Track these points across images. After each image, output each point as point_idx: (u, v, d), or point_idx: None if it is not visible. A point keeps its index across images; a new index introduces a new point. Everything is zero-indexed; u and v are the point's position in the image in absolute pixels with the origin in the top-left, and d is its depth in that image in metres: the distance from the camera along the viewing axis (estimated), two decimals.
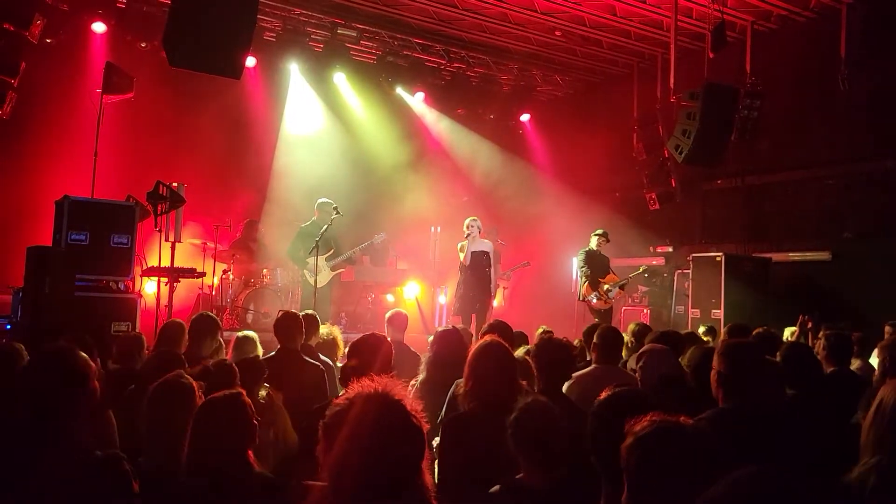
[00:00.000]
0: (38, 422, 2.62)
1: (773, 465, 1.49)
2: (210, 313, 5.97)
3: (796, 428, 3.36)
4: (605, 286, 10.45)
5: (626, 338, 6.01)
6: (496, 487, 2.83)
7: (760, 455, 2.67)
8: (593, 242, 10.59)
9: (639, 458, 1.93)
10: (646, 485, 1.93)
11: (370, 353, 3.91)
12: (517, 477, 2.84)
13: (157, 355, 4.70)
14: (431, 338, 5.46)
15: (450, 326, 5.48)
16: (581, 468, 2.61)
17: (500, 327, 5.23)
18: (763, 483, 1.45)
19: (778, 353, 4.53)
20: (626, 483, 1.97)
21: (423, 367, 4.75)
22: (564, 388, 4.17)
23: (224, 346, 5.72)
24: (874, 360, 6.46)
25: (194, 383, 3.13)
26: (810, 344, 6.29)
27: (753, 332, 5.99)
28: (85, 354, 2.87)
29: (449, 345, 4.67)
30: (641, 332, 5.85)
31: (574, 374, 4.51)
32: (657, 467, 1.91)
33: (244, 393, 2.91)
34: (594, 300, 10.45)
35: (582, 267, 10.54)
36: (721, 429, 3.02)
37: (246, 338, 5.56)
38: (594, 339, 4.92)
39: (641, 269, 10.83)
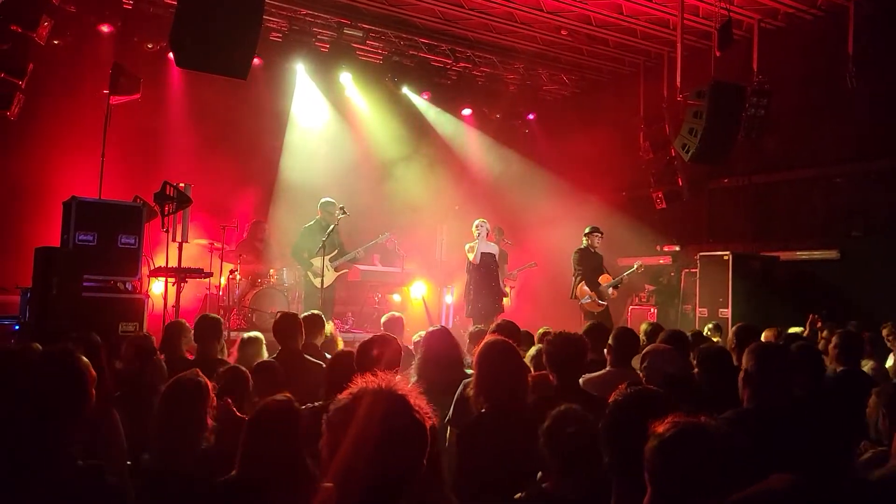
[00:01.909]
0: (32, 424, 2.59)
1: (806, 472, 1.49)
2: (212, 314, 5.98)
3: (816, 429, 3.35)
4: (602, 287, 10.23)
5: (641, 338, 5.99)
6: (521, 495, 2.78)
7: (781, 456, 2.66)
8: (585, 241, 10.43)
9: (662, 460, 1.93)
10: (668, 486, 1.93)
11: (378, 353, 3.91)
12: (543, 486, 2.80)
13: (133, 348, 4.71)
14: (415, 338, 5.43)
15: (439, 326, 5.45)
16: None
17: (507, 327, 5.21)
18: (792, 492, 1.46)
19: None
20: (649, 484, 1.96)
21: (413, 368, 4.71)
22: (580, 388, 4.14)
23: (226, 346, 5.72)
24: (890, 362, 6.43)
25: (209, 382, 3.15)
26: (819, 343, 6.25)
27: (763, 334, 5.97)
28: (86, 358, 2.86)
29: (439, 345, 4.58)
30: (655, 332, 5.79)
31: (587, 377, 4.48)
32: (680, 468, 1.92)
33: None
34: (586, 301, 10.26)
35: (577, 267, 10.37)
36: (743, 429, 3.01)
37: (251, 339, 5.57)
38: (609, 341, 4.82)
39: (636, 266, 10.71)
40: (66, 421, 2.62)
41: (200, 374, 3.19)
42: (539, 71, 13.97)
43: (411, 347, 6.22)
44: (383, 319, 6.61)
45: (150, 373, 4.44)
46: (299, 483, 2.68)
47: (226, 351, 5.54)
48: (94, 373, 2.80)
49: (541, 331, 6.18)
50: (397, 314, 6.73)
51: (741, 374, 3.41)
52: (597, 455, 2.73)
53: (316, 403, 3.70)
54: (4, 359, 3.61)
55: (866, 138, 10.59)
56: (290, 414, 2.85)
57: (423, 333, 5.01)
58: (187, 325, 5.63)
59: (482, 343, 3.72)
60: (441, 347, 4.51)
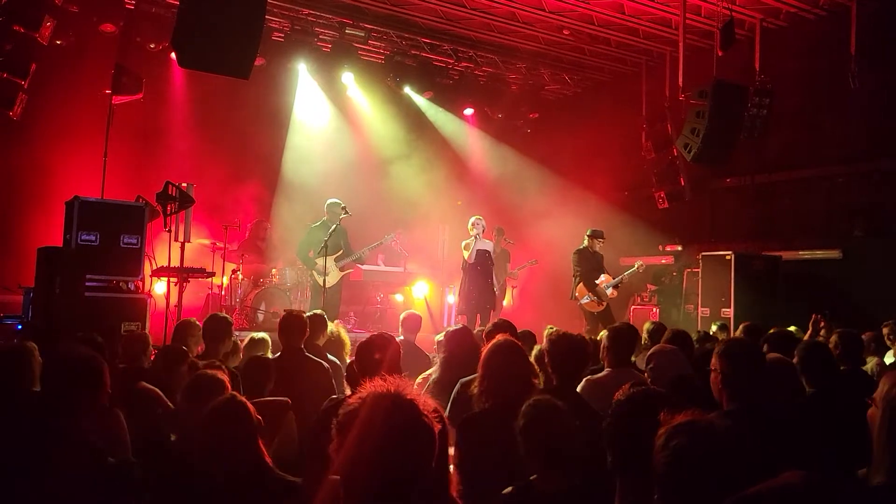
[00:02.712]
0: (51, 421, 2.63)
1: (817, 472, 1.49)
2: (222, 314, 5.98)
3: (805, 429, 3.34)
4: (600, 287, 10.23)
5: (643, 337, 5.98)
6: (509, 489, 2.79)
7: (768, 458, 2.66)
8: (586, 241, 10.42)
9: (670, 458, 1.93)
10: (677, 485, 1.92)
11: (378, 353, 3.90)
12: (531, 479, 2.81)
13: (161, 352, 4.74)
14: (439, 337, 5.46)
15: (460, 326, 5.48)
16: (595, 473, 2.59)
17: (506, 326, 5.21)
18: (808, 489, 1.45)
19: (794, 353, 4.49)
20: (657, 483, 1.96)
21: (436, 366, 4.75)
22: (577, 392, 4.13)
23: (239, 346, 5.74)
24: (889, 359, 6.44)
25: (227, 380, 3.29)
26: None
27: (769, 332, 5.95)
28: (98, 354, 2.91)
29: (462, 344, 4.66)
30: (658, 332, 5.77)
31: (587, 378, 4.47)
32: (689, 467, 1.91)
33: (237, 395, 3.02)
34: (586, 301, 10.24)
35: (576, 267, 10.36)
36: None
37: (258, 340, 5.60)
38: (605, 341, 4.75)
39: (636, 266, 10.67)
40: (83, 415, 2.67)
41: (221, 371, 3.35)
42: (541, 70, 13.97)
43: (417, 347, 6.26)
44: (402, 316, 6.58)
45: (178, 379, 4.47)
46: (257, 478, 2.74)
47: (238, 351, 5.54)
48: (106, 366, 2.86)
49: (547, 330, 6.16)
50: (416, 313, 6.70)
51: (717, 377, 3.35)
52: (576, 449, 2.75)
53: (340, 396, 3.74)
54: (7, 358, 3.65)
55: (868, 138, 10.58)
56: (236, 410, 2.90)
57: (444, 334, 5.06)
58: (197, 323, 5.64)
59: (490, 343, 3.72)
60: (463, 347, 4.60)
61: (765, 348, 5.49)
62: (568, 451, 2.76)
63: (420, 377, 5.05)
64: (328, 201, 9.91)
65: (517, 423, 2.87)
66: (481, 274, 9.77)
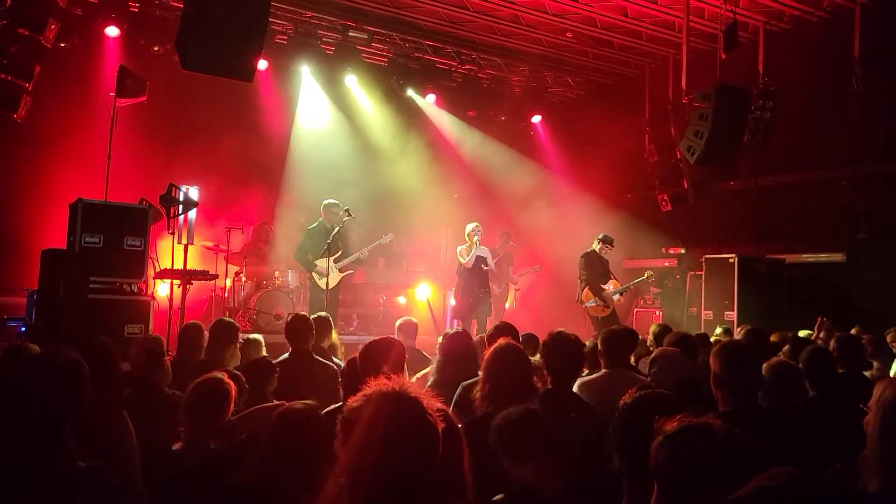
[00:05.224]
0: (28, 426, 2.57)
1: (805, 470, 1.49)
2: (228, 319, 6.00)
3: (804, 431, 3.34)
4: (606, 292, 10.20)
5: (648, 339, 5.97)
6: (499, 497, 2.77)
7: (765, 458, 2.66)
8: (595, 245, 10.38)
9: (668, 459, 1.93)
10: (675, 486, 1.93)
11: (382, 356, 3.90)
12: (525, 485, 2.80)
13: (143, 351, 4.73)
14: (441, 340, 5.48)
15: (459, 329, 5.49)
16: (595, 473, 2.59)
17: (508, 330, 5.20)
18: (795, 487, 1.45)
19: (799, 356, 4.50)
20: (656, 484, 1.96)
21: (433, 369, 4.75)
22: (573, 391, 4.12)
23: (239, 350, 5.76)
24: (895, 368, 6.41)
25: (233, 388, 3.36)
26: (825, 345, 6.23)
27: (772, 338, 5.95)
28: (77, 355, 2.86)
29: (459, 347, 4.65)
30: (664, 335, 5.78)
31: (583, 380, 4.47)
32: (687, 468, 1.92)
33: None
34: (591, 304, 10.22)
35: (583, 271, 10.34)
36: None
37: (251, 340, 5.63)
38: (599, 346, 4.80)
39: (646, 276, 10.62)
40: (60, 421, 2.62)
41: (226, 378, 3.38)
42: (544, 73, 13.97)
43: (425, 353, 6.27)
44: (398, 323, 6.62)
45: (158, 374, 4.49)
46: (312, 491, 2.73)
47: (238, 355, 5.56)
48: (86, 369, 2.80)
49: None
50: (412, 319, 6.75)
51: (711, 377, 3.39)
52: (577, 450, 2.74)
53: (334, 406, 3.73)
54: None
55: (872, 140, 10.58)
56: (313, 421, 2.91)
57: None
58: (202, 326, 5.65)
59: (492, 347, 3.72)
60: (459, 350, 4.59)
61: (785, 349, 5.54)
62: (570, 453, 2.75)
63: (416, 375, 5.07)
64: (325, 202, 9.86)
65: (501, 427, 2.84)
66: (476, 278, 9.87)
